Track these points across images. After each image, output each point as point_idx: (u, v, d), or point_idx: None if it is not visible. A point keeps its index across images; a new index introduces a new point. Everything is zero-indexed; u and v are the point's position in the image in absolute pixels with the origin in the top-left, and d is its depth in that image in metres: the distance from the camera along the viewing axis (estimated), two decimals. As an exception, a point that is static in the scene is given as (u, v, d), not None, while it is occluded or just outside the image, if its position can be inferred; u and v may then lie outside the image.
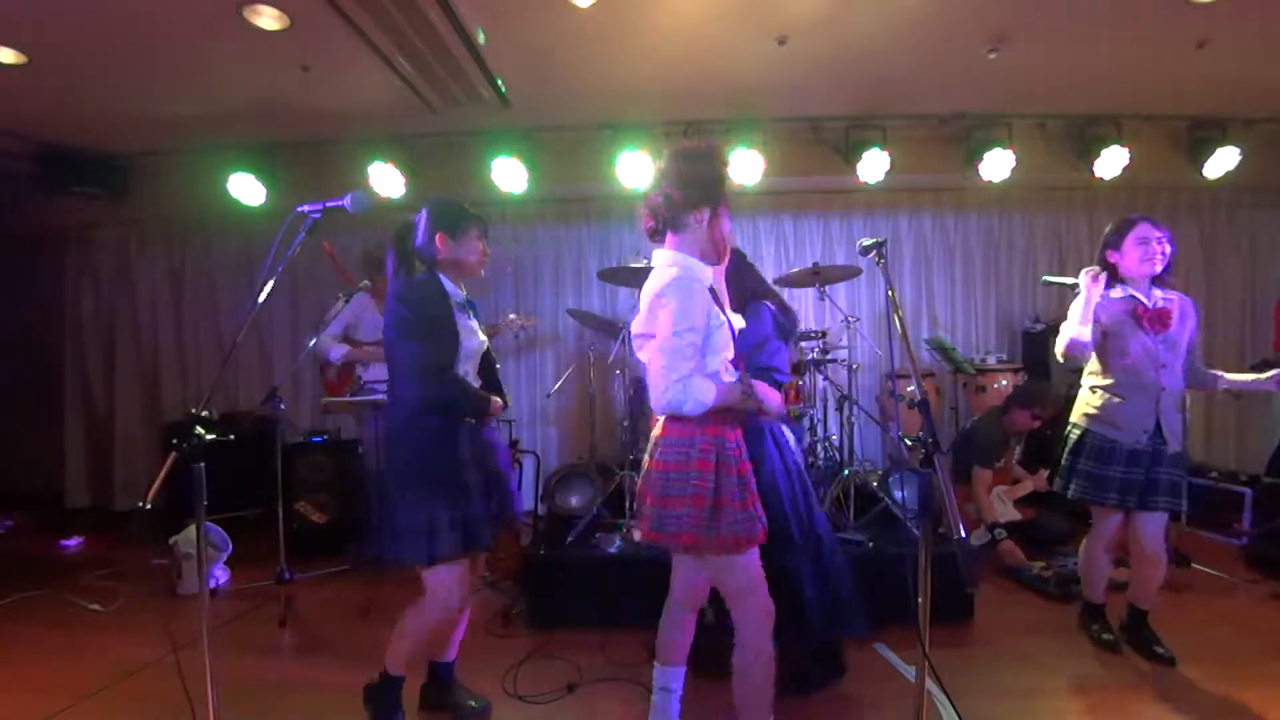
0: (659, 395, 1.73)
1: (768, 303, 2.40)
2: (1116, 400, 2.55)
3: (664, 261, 1.82)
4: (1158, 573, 2.60)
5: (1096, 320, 2.54)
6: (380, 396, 3.82)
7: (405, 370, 2.05)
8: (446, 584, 2.07)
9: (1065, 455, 2.66)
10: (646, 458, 1.91)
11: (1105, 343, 2.58)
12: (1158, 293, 2.54)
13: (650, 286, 1.80)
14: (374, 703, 2.22)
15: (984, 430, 3.85)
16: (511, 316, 4.07)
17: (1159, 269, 2.51)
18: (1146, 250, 2.49)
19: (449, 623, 2.24)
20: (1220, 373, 2.61)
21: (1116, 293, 2.58)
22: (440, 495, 2.02)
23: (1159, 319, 2.50)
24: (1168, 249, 2.50)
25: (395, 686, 2.19)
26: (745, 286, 2.43)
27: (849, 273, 4.02)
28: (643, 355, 1.84)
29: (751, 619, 1.85)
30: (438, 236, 2.11)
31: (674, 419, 1.80)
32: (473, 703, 2.36)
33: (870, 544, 3.03)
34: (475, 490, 2.08)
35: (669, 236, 1.85)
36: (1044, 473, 3.38)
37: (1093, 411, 2.61)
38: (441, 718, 2.33)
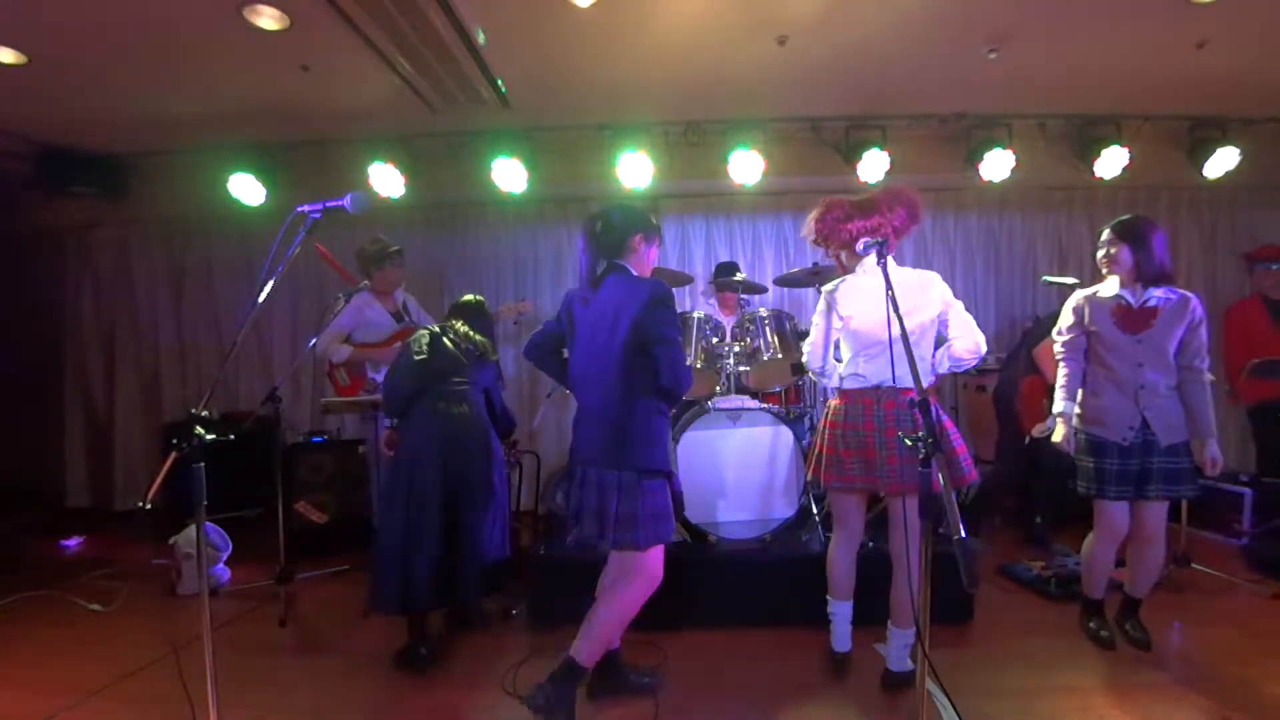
0: (977, 352, 2.35)
1: None
2: (1096, 399, 2.62)
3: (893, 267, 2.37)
4: (1156, 554, 2.63)
5: (1081, 323, 2.66)
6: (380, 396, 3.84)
7: (671, 362, 2.11)
8: (660, 560, 2.23)
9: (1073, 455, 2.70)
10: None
11: (1091, 342, 2.66)
12: (1157, 292, 2.55)
13: (928, 278, 2.42)
14: (553, 693, 2.14)
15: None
16: (508, 303, 4.18)
17: (1110, 271, 2.61)
18: (1099, 257, 2.65)
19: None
20: (1204, 423, 2.53)
21: (1107, 292, 2.62)
22: (670, 477, 2.20)
23: (1136, 318, 2.54)
24: (1118, 252, 2.56)
25: (579, 678, 2.21)
26: None
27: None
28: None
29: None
30: (637, 237, 2.24)
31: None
32: (646, 679, 2.46)
33: (870, 544, 3.03)
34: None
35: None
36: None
37: (1081, 411, 2.66)
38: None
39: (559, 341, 2.38)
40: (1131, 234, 2.56)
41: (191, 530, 3.37)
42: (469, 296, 3.08)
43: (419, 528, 2.63)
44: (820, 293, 2.61)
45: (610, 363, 2.13)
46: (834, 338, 2.53)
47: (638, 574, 2.19)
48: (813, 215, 2.58)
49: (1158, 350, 2.53)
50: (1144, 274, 2.55)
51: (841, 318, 2.47)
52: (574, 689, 2.18)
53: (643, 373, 2.12)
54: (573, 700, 2.17)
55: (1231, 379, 3.89)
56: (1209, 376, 2.57)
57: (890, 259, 2.40)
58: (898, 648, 2.41)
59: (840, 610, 2.57)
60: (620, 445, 2.11)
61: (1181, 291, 2.57)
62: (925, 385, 2.26)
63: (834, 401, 2.49)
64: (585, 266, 2.25)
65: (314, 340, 3.58)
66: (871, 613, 2.64)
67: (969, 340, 2.35)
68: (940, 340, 2.46)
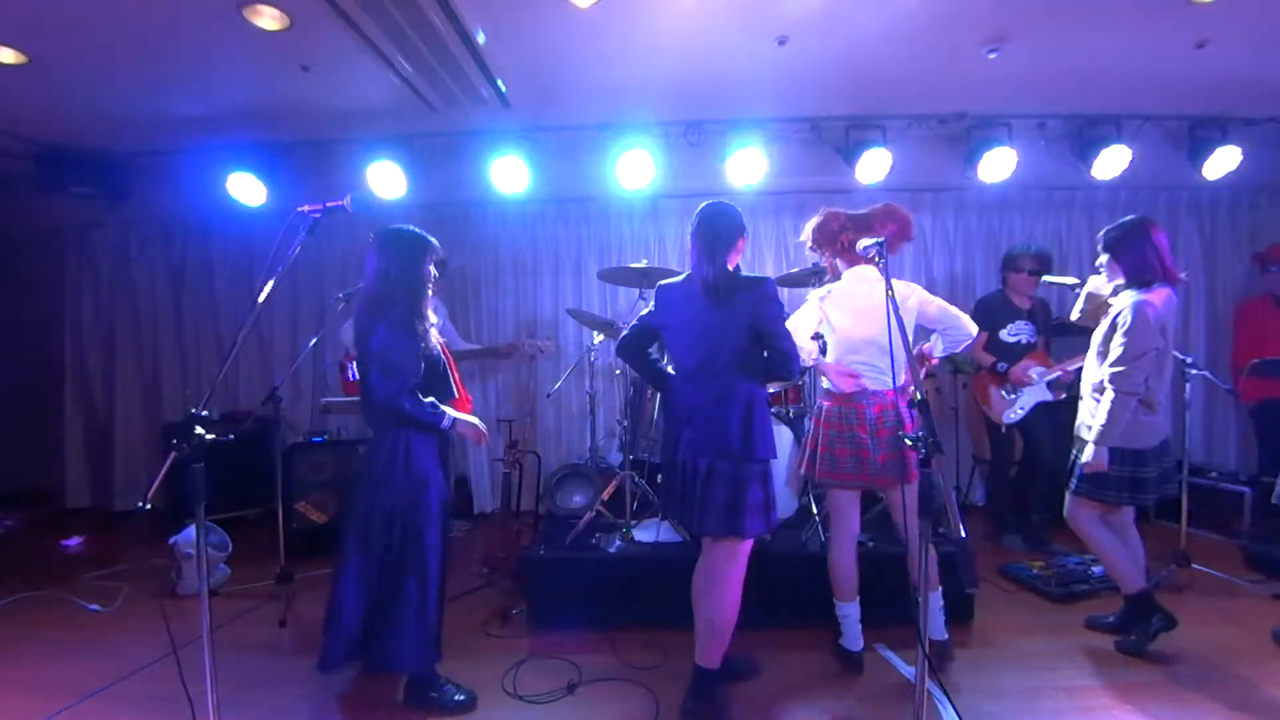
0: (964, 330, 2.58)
1: None
2: None
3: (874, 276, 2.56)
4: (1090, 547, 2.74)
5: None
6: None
7: (788, 355, 2.24)
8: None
9: None
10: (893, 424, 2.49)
11: None
12: (1125, 295, 2.56)
13: (910, 288, 2.61)
14: (699, 709, 2.28)
15: (988, 299, 4.19)
16: (531, 341, 4.12)
17: (1118, 280, 2.65)
18: None
19: None
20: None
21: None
22: (770, 470, 2.30)
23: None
24: (1106, 268, 2.67)
25: (718, 679, 2.33)
26: None
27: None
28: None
29: None
30: (742, 239, 2.34)
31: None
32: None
33: (870, 544, 3.03)
34: None
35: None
36: (1079, 357, 3.33)
37: None
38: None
39: (649, 341, 2.49)
40: (1110, 246, 2.62)
41: (191, 530, 3.37)
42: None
43: (342, 576, 2.30)
44: (810, 297, 2.74)
45: (728, 359, 2.24)
46: (818, 330, 2.67)
47: (741, 560, 2.29)
48: (812, 223, 2.72)
49: (1099, 354, 2.61)
50: (1137, 279, 2.55)
51: (833, 325, 2.62)
52: (718, 696, 2.32)
53: (755, 366, 2.27)
54: (722, 708, 2.32)
55: (1237, 379, 3.89)
56: (1130, 388, 2.45)
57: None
58: (933, 612, 2.51)
59: (849, 611, 2.61)
60: (745, 437, 2.21)
61: (1135, 297, 2.49)
62: (906, 383, 2.44)
63: (826, 403, 2.65)
64: (703, 263, 2.27)
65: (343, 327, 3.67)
66: (876, 615, 2.65)
67: (951, 321, 2.56)
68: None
